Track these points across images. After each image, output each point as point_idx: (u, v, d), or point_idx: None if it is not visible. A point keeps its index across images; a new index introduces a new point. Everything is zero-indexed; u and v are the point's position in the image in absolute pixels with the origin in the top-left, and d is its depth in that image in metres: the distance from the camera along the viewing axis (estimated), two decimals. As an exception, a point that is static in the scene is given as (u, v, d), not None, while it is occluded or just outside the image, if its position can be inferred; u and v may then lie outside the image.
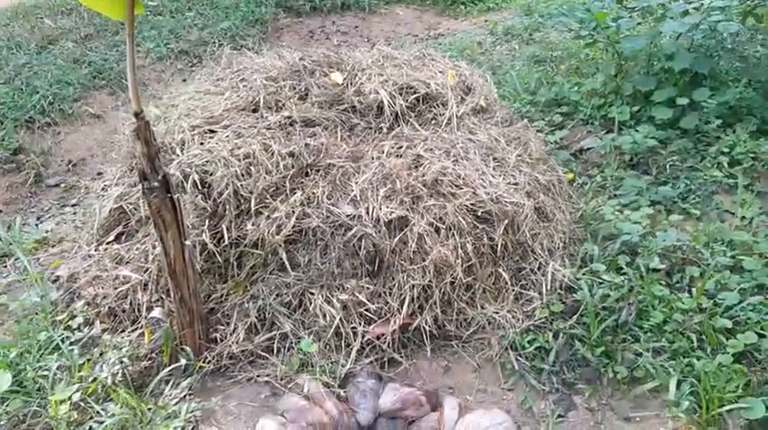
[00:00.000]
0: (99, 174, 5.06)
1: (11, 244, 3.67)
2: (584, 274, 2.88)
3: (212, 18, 7.16)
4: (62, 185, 4.92)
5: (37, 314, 2.87)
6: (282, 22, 7.67)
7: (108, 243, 2.88)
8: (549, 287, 2.78)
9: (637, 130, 4.03)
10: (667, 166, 3.82)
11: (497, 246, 2.73)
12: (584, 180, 3.86)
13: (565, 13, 4.63)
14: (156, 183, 2.20)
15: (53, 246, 3.71)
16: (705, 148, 3.91)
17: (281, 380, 2.47)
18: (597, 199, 3.55)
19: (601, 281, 2.83)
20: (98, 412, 2.34)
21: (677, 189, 3.60)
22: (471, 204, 2.71)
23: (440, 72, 3.41)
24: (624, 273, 2.90)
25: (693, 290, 2.79)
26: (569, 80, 4.97)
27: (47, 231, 3.97)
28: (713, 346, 2.53)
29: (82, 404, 2.38)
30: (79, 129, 5.45)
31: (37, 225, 4.27)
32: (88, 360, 2.58)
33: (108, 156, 5.28)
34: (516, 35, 6.96)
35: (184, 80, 6.44)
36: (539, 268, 2.84)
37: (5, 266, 3.47)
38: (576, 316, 2.71)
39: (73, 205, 4.67)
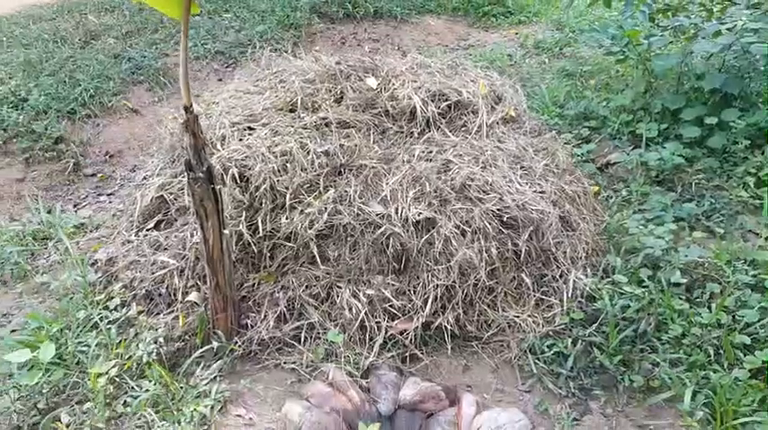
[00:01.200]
0: (135, 166, 5.24)
1: (51, 227, 3.83)
2: (605, 285, 2.94)
3: (248, 21, 7.33)
4: (99, 175, 5.10)
5: (75, 294, 3.01)
6: (316, 27, 7.81)
7: (147, 230, 3.02)
8: (570, 295, 2.85)
9: (664, 147, 4.07)
10: (693, 184, 3.86)
11: (521, 251, 2.81)
12: (609, 194, 3.91)
13: (597, 29, 4.70)
14: (200, 174, 2.32)
15: (91, 232, 3.88)
16: (732, 168, 3.94)
17: (307, 367, 2.57)
18: (621, 212, 3.60)
19: (622, 292, 2.89)
20: (132, 387, 2.46)
21: (702, 207, 3.64)
22: (498, 210, 2.80)
23: (471, 81, 3.51)
24: (645, 286, 2.95)
25: (713, 305, 2.83)
26: (598, 95, 5.02)
27: (84, 218, 4.13)
28: (730, 361, 2.58)
29: (118, 379, 2.51)
30: (117, 122, 5.63)
31: (75, 211, 4.44)
32: (124, 339, 2.71)
33: (144, 150, 5.46)
34: (546, 49, 7.02)
35: (220, 80, 6.62)
36: (561, 276, 2.91)
37: (46, 248, 3.63)
38: (595, 324, 2.77)
39: (108, 194, 4.84)
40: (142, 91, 6.12)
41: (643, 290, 2.90)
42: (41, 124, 5.05)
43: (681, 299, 2.89)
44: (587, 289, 2.89)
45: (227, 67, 6.77)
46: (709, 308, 2.85)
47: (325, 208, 2.67)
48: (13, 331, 2.87)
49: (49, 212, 4.16)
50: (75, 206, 4.69)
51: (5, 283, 3.32)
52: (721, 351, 2.62)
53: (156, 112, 6.05)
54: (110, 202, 4.70)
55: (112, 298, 2.91)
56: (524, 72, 6.23)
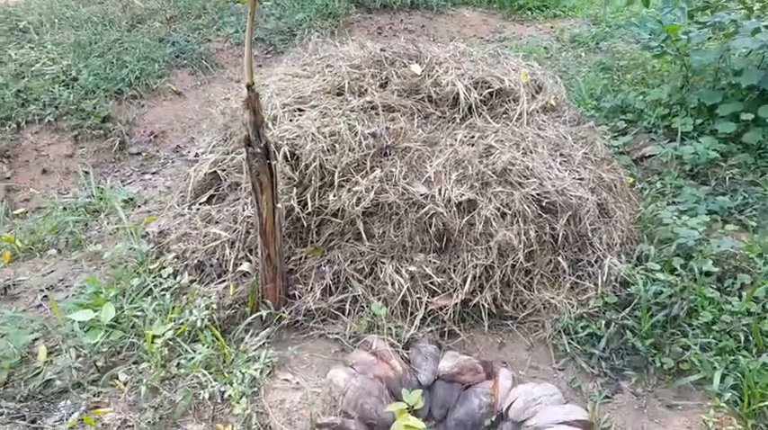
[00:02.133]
0: (177, 146, 5.42)
1: (102, 200, 4.02)
2: (638, 272, 3.03)
3: (289, 9, 7.46)
4: (143, 154, 5.29)
5: (129, 263, 3.18)
6: (353, 17, 7.92)
7: (200, 204, 3.17)
8: (604, 279, 2.94)
9: (699, 142, 4.12)
10: (726, 179, 3.91)
11: (558, 235, 2.91)
12: (644, 185, 3.98)
13: (636, 24, 4.74)
14: (258, 149, 2.45)
15: (139, 206, 4.06)
16: (766, 164, 3.98)
17: (350, 338, 2.70)
18: (656, 203, 3.67)
19: (655, 279, 2.97)
20: (186, 350, 2.62)
21: (735, 201, 3.69)
22: (537, 194, 2.90)
23: (513, 70, 3.60)
24: (678, 274, 3.03)
25: (743, 295, 2.91)
26: (635, 89, 5.07)
27: (133, 193, 4.31)
28: (759, 347, 2.65)
29: (172, 342, 2.66)
30: (162, 103, 5.82)
31: (122, 187, 4.63)
32: (178, 305, 2.86)
33: (186, 132, 5.65)
34: (583, 43, 7.06)
35: (259, 65, 6.77)
36: (596, 261, 3.00)
37: (98, 219, 3.81)
38: (628, 308, 2.86)
39: (153, 173, 5.03)
40: (185, 74, 6.30)
41: (675, 277, 2.98)
42: (90, 103, 5.25)
43: (712, 287, 2.96)
44: (621, 274, 2.97)
45: (267, 53, 6.92)
46: (740, 297, 2.92)
47: (372, 186, 2.79)
48: (71, 295, 3.04)
49: (99, 187, 4.35)
50: (121, 182, 4.89)
51: (61, 251, 3.50)
52: (750, 337, 2.69)
53: (199, 96, 6.23)
54: (154, 181, 4.88)
55: (165, 267, 3.06)
56: (560, 65, 6.28)
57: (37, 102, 5.13)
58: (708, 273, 3.04)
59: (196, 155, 3.51)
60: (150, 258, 3.20)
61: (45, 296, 3.13)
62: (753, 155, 4.05)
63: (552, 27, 8.18)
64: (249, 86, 2.39)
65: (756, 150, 4.09)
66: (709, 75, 4.59)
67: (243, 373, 2.50)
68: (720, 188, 3.89)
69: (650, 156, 4.29)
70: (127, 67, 5.75)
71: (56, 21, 6.25)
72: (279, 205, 2.59)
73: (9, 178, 4.81)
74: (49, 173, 4.91)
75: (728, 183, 3.90)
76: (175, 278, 3.01)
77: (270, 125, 3.04)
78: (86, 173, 5.07)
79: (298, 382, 2.53)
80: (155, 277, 3.02)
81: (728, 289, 3.02)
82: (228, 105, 3.59)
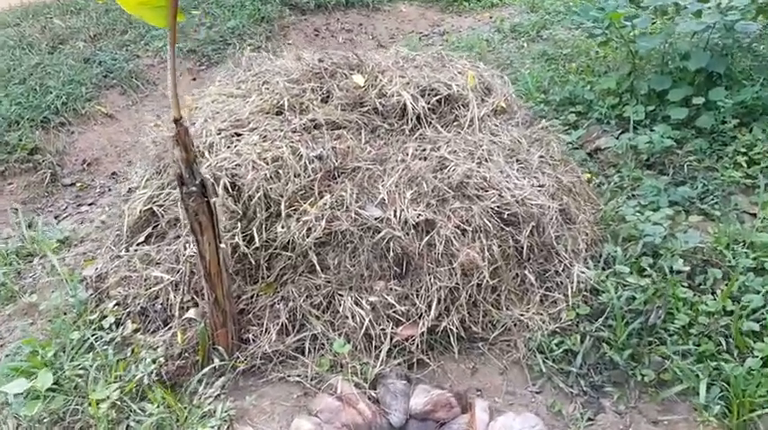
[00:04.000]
0: (113, 173, 5.10)
1: (34, 243, 3.71)
2: (608, 277, 2.91)
3: (219, 17, 7.16)
4: (77, 184, 4.96)
5: (66, 314, 2.91)
6: (288, 20, 7.66)
7: (138, 244, 2.91)
8: (574, 289, 2.82)
9: (653, 130, 4.05)
10: (684, 166, 3.84)
11: (523, 248, 2.77)
12: (602, 180, 3.88)
13: (578, 12, 4.64)
14: (193, 188, 2.23)
15: (75, 246, 3.75)
16: (722, 148, 3.93)
17: (312, 380, 2.50)
18: (616, 199, 3.57)
19: (625, 283, 2.86)
20: (135, 411, 2.38)
21: (695, 189, 3.61)
22: (497, 206, 2.75)
23: (459, 73, 3.44)
24: (648, 275, 2.92)
25: (717, 292, 2.82)
26: (582, 79, 4.98)
27: (68, 231, 4.00)
28: (741, 350, 2.55)
29: (119, 403, 2.42)
30: (92, 128, 5.48)
31: (57, 224, 4.31)
32: (123, 359, 2.62)
33: (122, 157, 5.33)
34: (523, 32, 6.96)
35: (194, 79, 6.47)
36: (563, 270, 2.87)
37: (32, 265, 3.50)
38: (601, 318, 2.73)
39: (89, 204, 4.72)
40: (116, 95, 5.96)
41: (647, 280, 2.87)
42: (14, 135, 4.90)
43: (684, 287, 2.86)
44: (591, 282, 2.85)
45: (200, 65, 6.62)
46: (713, 294, 2.83)
47: (322, 214, 2.59)
48: (6, 356, 2.76)
49: (30, 227, 4.03)
50: (56, 218, 4.57)
51: (-7, 306, 3.20)
52: (731, 339, 2.59)
53: (132, 116, 5.90)
54: (91, 212, 4.57)
55: (106, 316, 2.81)
56: (504, 57, 6.17)
57: (-46, 138, 4.75)
58: (678, 272, 2.94)
59: (129, 190, 3.23)
60: (90, 307, 2.93)
61: (-24, 359, 2.84)
62: (707, 139, 3.99)
63: (491, 17, 8.08)
64: (177, 120, 2.15)
65: (710, 134, 4.03)
66: (657, 60, 4.53)
67: (198, 433, 2.28)
68: (679, 176, 3.81)
69: (605, 148, 4.20)
70: (51, 92, 5.40)
71: (-32, 48, 5.83)
72: (222, 245, 2.37)
73: (-71, 223, 4.43)
74: (-26, 213, 4.55)
75: (687, 170, 3.82)
76: (118, 328, 2.76)
77: (206, 154, 2.81)
78: (16, 210, 4.73)
79: (260, 436, 2.32)
80: (95, 329, 2.77)
81: (701, 286, 2.92)
82: (159, 133, 3.32)
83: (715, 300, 2.76)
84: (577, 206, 3.15)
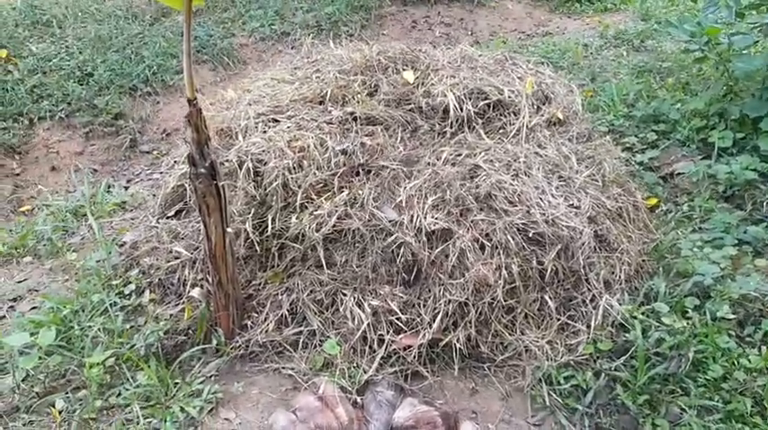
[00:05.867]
0: (189, 145, 5.29)
1: (93, 204, 3.91)
2: (642, 313, 2.66)
3: (318, 1, 7.24)
4: (154, 152, 5.19)
5: (97, 276, 3.04)
6: (387, 9, 7.63)
7: (168, 217, 2.99)
8: (599, 322, 2.60)
9: (737, 159, 3.67)
10: (765, 203, 3.45)
11: (546, 270, 2.59)
12: (669, 207, 3.56)
13: (674, 24, 4.28)
14: (202, 170, 2.24)
15: (130, 211, 3.93)
16: (812, 188, 3.50)
17: (304, 375, 2.47)
18: (678, 230, 3.27)
19: (659, 323, 2.61)
20: (128, 379, 2.45)
21: (771, 230, 3.25)
22: (523, 224, 2.58)
23: (518, 78, 3.26)
24: (689, 318, 2.66)
25: (765, 347, 2.51)
26: (673, 96, 4.61)
27: (130, 195, 4.19)
28: (772, 415, 2.27)
29: (117, 368, 2.50)
30: (177, 100, 5.71)
31: (126, 188, 4.53)
32: (131, 326, 2.70)
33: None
34: (627, 40, 6.55)
35: (283, 62, 6.60)
36: (591, 300, 2.66)
37: (83, 225, 3.70)
38: (623, 357, 2.52)
39: (161, 173, 4.91)
40: (205, 70, 6.18)
41: (685, 323, 2.60)
42: (103, 99, 5.19)
43: (729, 335, 2.57)
44: (619, 317, 2.62)
45: (292, 48, 6.73)
46: (761, 349, 2.53)
47: (336, 210, 2.54)
48: (32, 308, 2.93)
49: (106, 189, 4.24)
50: (128, 181, 4.80)
51: (39, 258, 3.40)
52: (766, 402, 2.31)
53: (217, 93, 6.09)
54: (160, 181, 4.77)
55: (129, 283, 2.91)
56: (597, 66, 5.83)
57: (50, 97, 5.10)
58: (725, 319, 2.65)
59: (175, 162, 3.33)
60: (120, 271, 3.05)
61: (11, 306, 3.03)
62: (798, 177, 3.58)
63: (600, 21, 7.66)
64: (190, 101, 2.17)
65: (802, 172, 3.61)
66: (757, 84, 4.09)
67: (180, 409, 2.31)
68: (757, 214, 3.43)
69: (680, 173, 3.85)
70: (144, 62, 5.67)
71: (79, 14, 6.23)
72: (229, 229, 2.38)
73: (18, 174, 4.80)
74: (58, 170, 4.88)
75: (767, 208, 3.44)
76: (138, 295, 2.85)
77: (240, 137, 2.83)
78: (95, 170, 5.03)
79: (240, 423, 2.32)
80: (117, 294, 2.87)
81: (749, 338, 2.62)
82: (215, 108, 3.39)
83: (760, 355, 2.47)
84: (624, 233, 2.90)
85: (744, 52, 4.16)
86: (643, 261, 2.98)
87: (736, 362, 2.45)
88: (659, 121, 4.40)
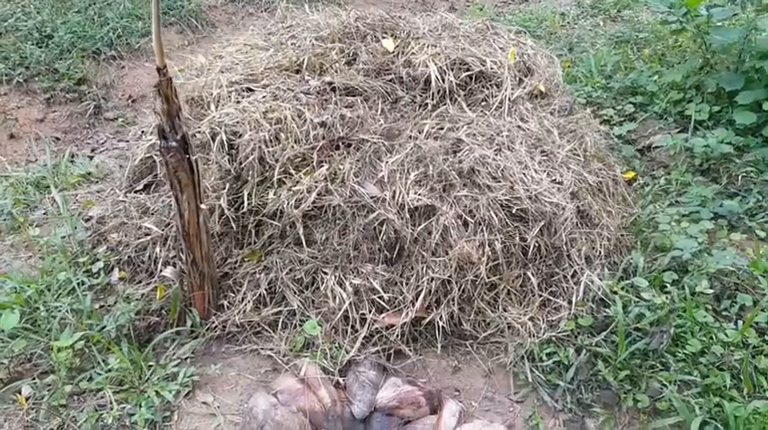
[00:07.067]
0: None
1: (56, 175, 3.74)
2: (622, 288, 2.66)
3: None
4: (120, 120, 4.98)
5: (62, 253, 2.90)
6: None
7: (137, 191, 2.87)
8: (580, 298, 2.59)
9: (713, 133, 3.67)
10: (740, 177, 3.47)
11: (529, 247, 2.55)
12: (647, 180, 3.57)
13: (652, -8, 4.23)
14: (174, 143, 2.13)
15: (96, 183, 3.77)
16: (787, 162, 3.53)
17: (284, 356, 2.41)
18: (656, 204, 3.27)
19: (639, 298, 2.61)
20: (99, 362, 2.35)
21: (746, 204, 3.26)
22: (506, 200, 2.53)
23: (500, 48, 3.18)
24: (667, 292, 2.66)
25: (741, 321, 2.54)
26: (650, 67, 4.58)
27: (96, 166, 4.02)
28: (750, 389, 2.29)
29: (86, 351, 2.40)
30: (143, 65, 5.47)
31: (90, 157, 4.34)
32: (101, 306, 2.60)
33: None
34: (603, 10, 6.50)
35: (254, 25, 6.38)
36: (572, 276, 2.64)
37: (45, 198, 3.53)
38: (604, 333, 2.51)
39: (127, 141, 4.72)
40: (172, 33, 5.93)
41: (664, 298, 2.61)
42: (64, 63, 4.94)
43: (706, 310, 2.58)
44: (600, 292, 2.61)
45: (263, 11, 6.50)
46: (737, 323, 2.55)
47: (315, 186, 2.45)
48: (-7, 288, 2.79)
49: (57, 158, 4.06)
50: (92, 150, 4.60)
51: (-1, 233, 3.25)
52: (742, 375, 2.33)
53: (185, 57, 5.87)
54: (128, 149, 4.58)
55: (97, 260, 2.79)
56: (574, 36, 5.77)
57: (6, 60, 4.83)
58: (702, 293, 2.67)
59: (142, 133, 3.18)
60: (86, 248, 2.92)
61: (-30, 286, 2.89)
62: (773, 150, 3.60)
63: (579, -11, 7.56)
64: (159, 70, 2.04)
65: (777, 145, 3.63)
66: (733, 56, 4.08)
67: (156, 394, 2.23)
68: (732, 187, 3.46)
69: (657, 146, 3.85)
70: (108, 24, 5.40)
71: (36, -28, 5.88)
72: (203, 205, 2.27)
73: (-28, 143, 4.56)
74: (17, 138, 4.64)
75: (741, 181, 3.46)
76: (106, 273, 2.73)
77: (212, 107, 2.70)
78: (57, 139, 4.81)
79: (218, 407, 2.25)
80: (84, 272, 2.75)
81: (725, 312, 2.64)
82: (185, 76, 3.24)
83: (737, 329, 2.49)
84: (604, 208, 2.88)
85: (719, 24, 4.14)
86: (621, 235, 2.97)
87: (714, 337, 2.47)
88: (636, 93, 4.39)
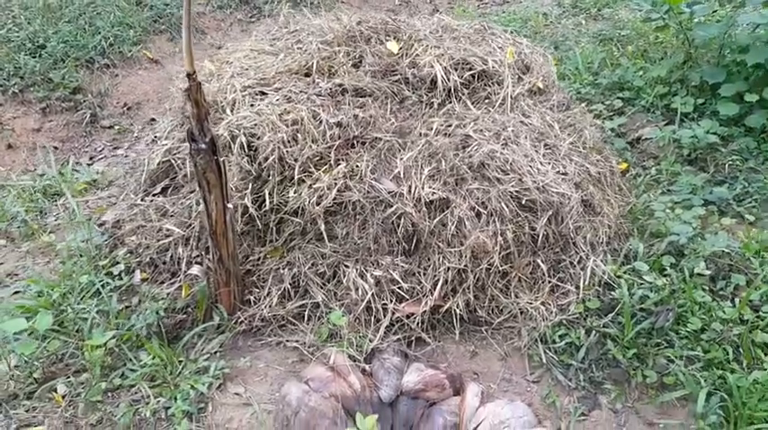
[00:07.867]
0: (152, 119, 5.16)
1: (63, 183, 3.78)
2: (625, 272, 2.81)
3: (274, -32, 7.08)
4: (116, 127, 5.03)
5: (81, 256, 2.96)
6: (342, -23, 7.53)
7: (154, 194, 2.94)
8: (587, 282, 2.73)
9: (698, 124, 3.85)
10: (726, 165, 3.66)
11: (538, 236, 2.68)
12: (638, 171, 3.73)
13: (636, -8, 4.41)
14: (203, 145, 2.22)
15: (102, 190, 3.83)
16: (770, 150, 3.72)
17: (310, 347, 2.51)
18: (649, 193, 3.44)
19: (642, 281, 2.76)
20: (131, 359, 2.43)
21: (734, 190, 3.44)
22: (516, 191, 2.66)
23: (499, 48, 3.31)
24: (667, 275, 2.82)
25: (737, 299, 2.70)
26: (635, 63, 4.77)
27: (98, 173, 4.08)
28: (749, 361, 2.45)
29: (117, 350, 2.47)
30: (137, 72, 5.53)
31: (89, 165, 4.39)
32: (127, 307, 2.67)
33: (162, 103, 5.36)
34: (584, 9, 6.69)
35: (243, 30, 6.45)
36: (579, 262, 2.78)
37: (56, 205, 3.58)
38: (611, 314, 2.66)
39: (125, 148, 4.78)
40: (163, 41, 5.99)
41: (664, 280, 2.76)
42: (59, 73, 4.97)
43: (704, 290, 2.74)
44: (605, 277, 2.76)
45: (251, 17, 6.58)
46: (733, 301, 2.71)
47: (335, 183, 2.56)
48: (15, 293, 2.84)
49: (62, 166, 4.11)
50: (90, 159, 4.65)
51: (13, 241, 3.29)
52: (741, 349, 2.49)
53: (177, 63, 5.92)
54: (126, 156, 4.64)
55: (117, 263, 2.86)
56: (559, 35, 5.95)
57: (1, 71, 4.85)
58: (699, 275, 2.82)
59: (155, 138, 3.25)
60: (103, 251, 2.99)
61: (-9, 292, 2.94)
62: (756, 139, 3.79)
63: (558, -12, 7.76)
64: (190, 75, 2.13)
65: (760, 134, 3.82)
66: (714, 51, 4.28)
67: (190, 387, 2.32)
68: (720, 175, 3.64)
69: (647, 138, 4.03)
70: (100, 33, 5.44)
71: (24, -18, 5.90)
72: (230, 205, 2.36)
73: (-30, 153, 4.57)
74: (14, 148, 4.66)
75: (728, 169, 3.64)
76: (127, 276, 2.80)
77: (228, 111, 2.79)
78: (55, 148, 4.84)
79: (249, 397, 2.34)
80: (105, 274, 2.82)
81: (721, 291, 2.80)
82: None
83: (733, 307, 2.65)
84: (604, 197, 3.03)
85: (697, 20, 4.32)
86: (620, 223, 3.12)
87: (713, 315, 2.63)
88: (624, 89, 4.56)
